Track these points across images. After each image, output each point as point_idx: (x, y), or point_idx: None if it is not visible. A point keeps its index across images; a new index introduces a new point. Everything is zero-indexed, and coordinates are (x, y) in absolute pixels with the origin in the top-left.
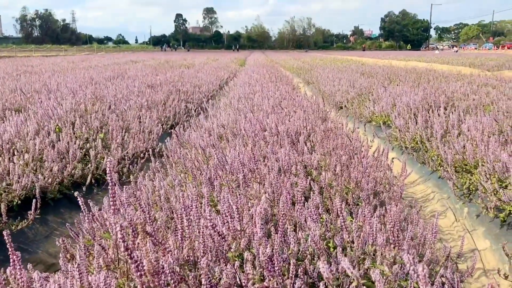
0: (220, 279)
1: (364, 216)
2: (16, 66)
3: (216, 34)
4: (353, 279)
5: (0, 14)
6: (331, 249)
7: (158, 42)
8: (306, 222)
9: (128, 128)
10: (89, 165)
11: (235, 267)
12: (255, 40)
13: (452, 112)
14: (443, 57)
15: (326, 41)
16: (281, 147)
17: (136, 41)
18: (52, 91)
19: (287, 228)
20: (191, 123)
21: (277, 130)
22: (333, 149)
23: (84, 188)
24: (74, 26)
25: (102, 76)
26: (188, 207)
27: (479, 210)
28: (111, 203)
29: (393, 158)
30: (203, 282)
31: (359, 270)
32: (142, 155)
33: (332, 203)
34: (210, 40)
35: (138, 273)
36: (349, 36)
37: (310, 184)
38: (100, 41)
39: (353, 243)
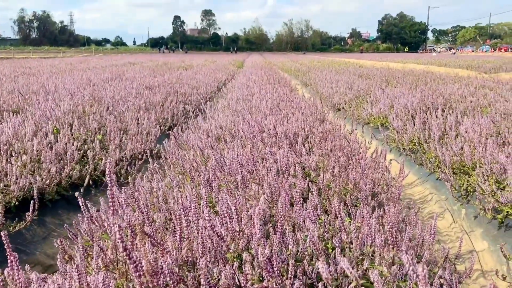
0: (219, 279)
1: (363, 217)
2: (14, 67)
3: (214, 36)
4: (352, 280)
5: None
6: (330, 250)
7: (156, 44)
8: (304, 223)
9: (126, 130)
10: (87, 166)
11: (234, 268)
12: (253, 42)
13: (450, 114)
14: (440, 59)
15: (324, 44)
16: (279, 149)
17: (134, 43)
18: (50, 92)
19: (286, 229)
20: (189, 124)
21: (275, 131)
22: (331, 151)
23: (82, 190)
24: (72, 28)
25: (100, 78)
26: (187, 208)
27: (477, 212)
28: (110, 204)
29: (391, 160)
30: (202, 283)
31: (358, 270)
32: (140, 156)
33: (331, 204)
34: (208, 42)
35: (137, 273)
36: (346, 39)
37: (308, 185)
38: (98, 43)
39: (352, 244)
